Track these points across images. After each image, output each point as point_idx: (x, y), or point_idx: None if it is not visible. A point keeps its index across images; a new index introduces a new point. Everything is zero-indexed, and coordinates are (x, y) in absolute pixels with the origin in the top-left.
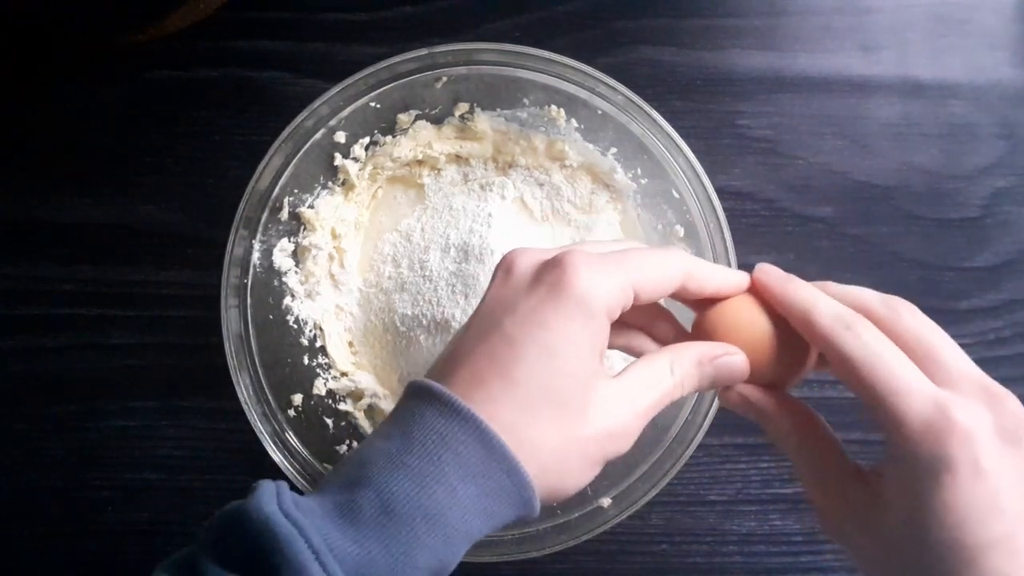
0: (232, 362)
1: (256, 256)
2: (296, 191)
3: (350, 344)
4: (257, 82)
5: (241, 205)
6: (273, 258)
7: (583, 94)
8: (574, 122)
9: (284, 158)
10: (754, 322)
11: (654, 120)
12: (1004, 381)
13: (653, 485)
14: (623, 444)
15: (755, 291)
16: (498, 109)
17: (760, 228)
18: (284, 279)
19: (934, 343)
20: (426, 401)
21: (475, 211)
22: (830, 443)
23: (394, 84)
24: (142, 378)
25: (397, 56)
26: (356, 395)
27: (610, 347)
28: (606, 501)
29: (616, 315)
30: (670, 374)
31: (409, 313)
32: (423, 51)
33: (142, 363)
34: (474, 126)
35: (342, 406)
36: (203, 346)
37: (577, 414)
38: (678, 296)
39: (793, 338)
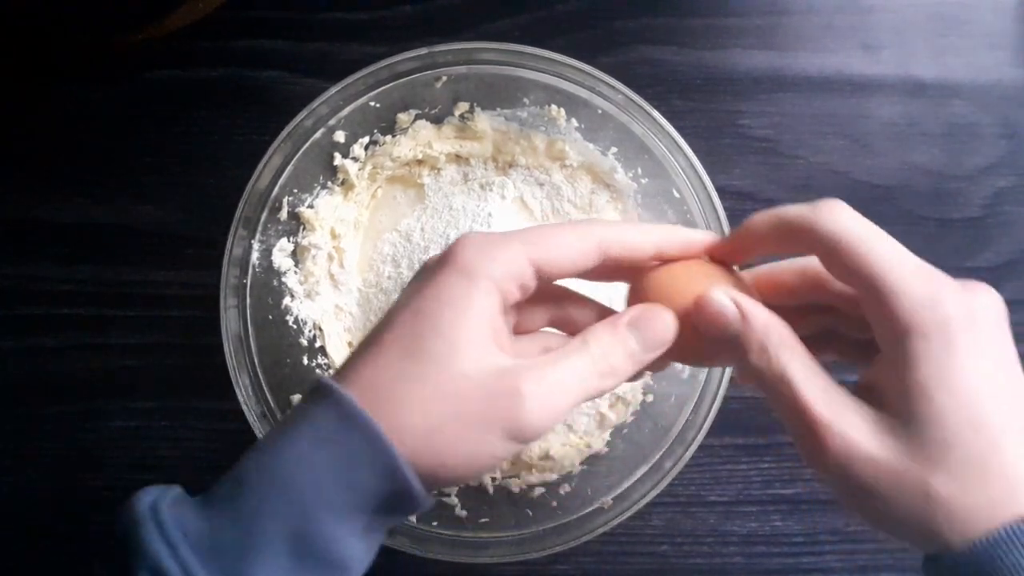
0: (231, 362)
1: (255, 256)
2: (295, 191)
3: (350, 344)
4: (257, 81)
5: (240, 205)
6: (272, 258)
7: (583, 93)
8: (574, 121)
9: (283, 158)
10: (690, 275)
11: (655, 120)
12: None
13: (654, 486)
14: (525, 417)
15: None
16: (498, 108)
17: None
18: (283, 279)
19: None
20: (307, 392)
21: (475, 211)
22: (815, 361)
23: (394, 83)
24: (141, 378)
25: (397, 55)
26: None
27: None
28: (606, 502)
29: (512, 287)
30: (585, 347)
31: None
32: (423, 50)
33: (141, 363)
34: (474, 126)
35: None
36: (202, 346)
37: (446, 372)
38: (610, 272)
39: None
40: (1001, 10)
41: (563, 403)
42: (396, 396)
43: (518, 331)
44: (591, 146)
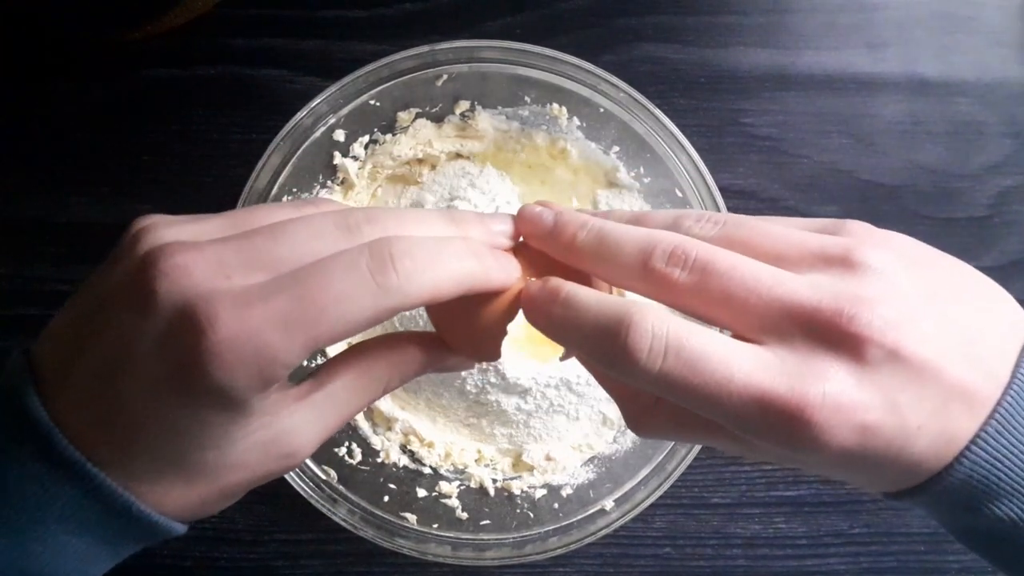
0: None
1: None
2: (295, 190)
3: (348, 344)
4: (255, 79)
5: (239, 204)
6: None
7: (585, 92)
8: (576, 120)
9: (283, 157)
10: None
11: (657, 118)
12: None
13: (656, 487)
14: (301, 457)
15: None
16: (499, 107)
17: None
18: None
19: (727, 288)
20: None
21: (475, 210)
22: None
23: (394, 82)
24: None
25: (397, 53)
26: None
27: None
28: (609, 504)
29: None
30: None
31: (408, 313)
32: (423, 48)
33: None
34: (475, 124)
35: None
36: None
37: (223, 478)
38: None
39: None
40: (1007, 8)
41: (334, 424)
42: (161, 493)
43: None
44: (593, 145)
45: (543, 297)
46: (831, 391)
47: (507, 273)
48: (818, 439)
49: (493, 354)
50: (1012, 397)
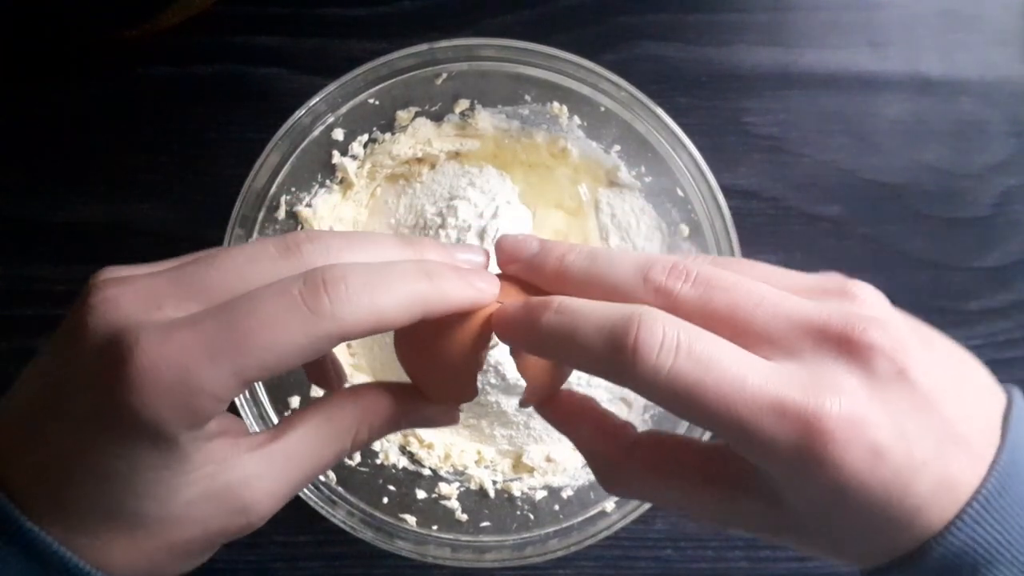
0: None
1: None
2: (293, 189)
3: (348, 346)
4: (253, 78)
5: (237, 204)
6: None
7: (586, 91)
8: (576, 119)
9: (281, 156)
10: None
11: (658, 117)
12: (1015, 384)
13: None
14: (256, 519)
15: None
16: (499, 106)
17: (766, 227)
18: None
19: (733, 301)
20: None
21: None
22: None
23: (393, 80)
24: None
25: (396, 52)
26: None
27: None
28: (609, 505)
29: (222, 410)
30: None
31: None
32: (423, 47)
33: None
34: (475, 123)
35: None
36: None
37: (166, 532)
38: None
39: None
40: (1010, 6)
41: (295, 478)
42: (103, 548)
43: None
44: (594, 144)
45: (528, 311)
46: (846, 403)
47: (472, 288)
48: (832, 455)
49: (469, 392)
50: (1007, 456)
